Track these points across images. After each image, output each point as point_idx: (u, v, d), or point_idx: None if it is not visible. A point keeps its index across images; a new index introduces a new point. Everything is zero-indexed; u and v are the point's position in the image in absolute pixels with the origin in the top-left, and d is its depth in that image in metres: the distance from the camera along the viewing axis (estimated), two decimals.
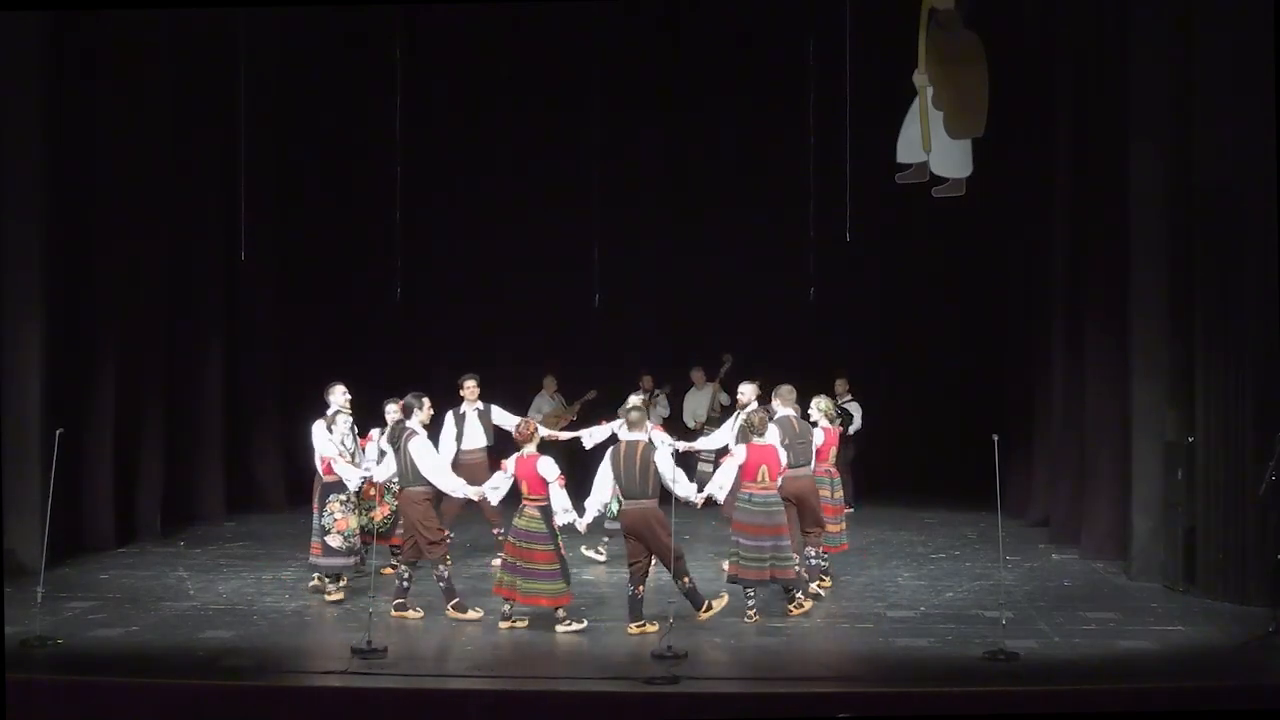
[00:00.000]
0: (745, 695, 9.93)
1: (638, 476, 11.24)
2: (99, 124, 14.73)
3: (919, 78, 13.18)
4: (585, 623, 11.46)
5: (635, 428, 11.51)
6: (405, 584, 11.87)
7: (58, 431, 11.64)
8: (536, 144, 19.10)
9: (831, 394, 16.02)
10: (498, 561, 12.15)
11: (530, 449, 11.53)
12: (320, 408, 12.85)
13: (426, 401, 11.96)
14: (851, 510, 17.26)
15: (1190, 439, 12.54)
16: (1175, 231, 12.87)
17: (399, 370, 17.33)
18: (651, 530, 11.21)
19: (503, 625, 11.45)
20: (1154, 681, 9.98)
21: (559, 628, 11.32)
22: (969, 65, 13.16)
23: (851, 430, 17.24)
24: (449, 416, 13.56)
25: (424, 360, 18.62)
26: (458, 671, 10.42)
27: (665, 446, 12.37)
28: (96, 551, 14.39)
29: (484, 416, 13.62)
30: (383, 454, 12.20)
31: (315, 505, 12.59)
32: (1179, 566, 12.65)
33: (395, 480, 11.93)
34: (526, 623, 11.44)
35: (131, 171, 15.10)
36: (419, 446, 11.69)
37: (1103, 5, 14.04)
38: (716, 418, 17.05)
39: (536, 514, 11.34)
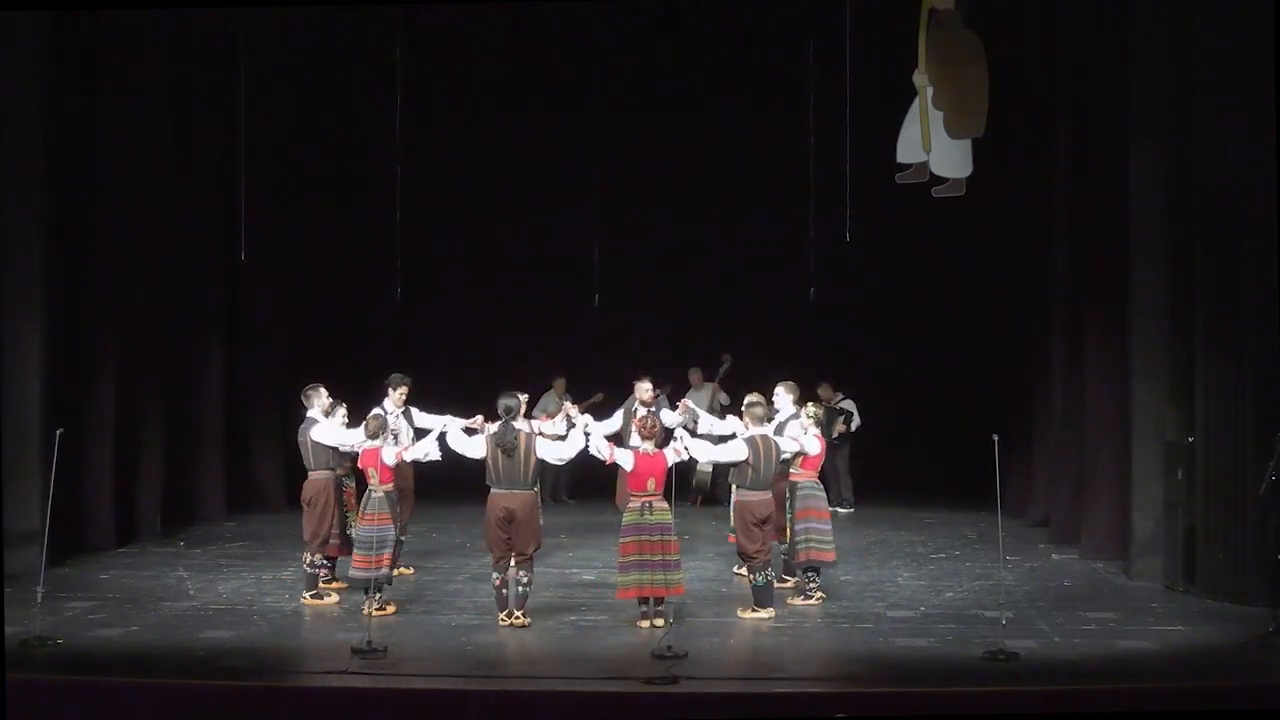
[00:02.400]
0: (745, 695, 9.93)
1: (774, 469, 11.80)
2: (99, 124, 14.73)
3: (919, 78, 13.18)
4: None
5: (760, 422, 11.92)
6: (511, 590, 11.52)
7: (58, 431, 11.63)
8: (536, 144, 19.11)
9: (818, 401, 16.07)
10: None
11: (650, 446, 11.48)
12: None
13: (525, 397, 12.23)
14: (852, 510, 17.36)
15: (1190, 439, 12.54)
16: (1175, 231, 12.86)
17: (399, 370, 17.34)
18: (772, 518, 11.80)
19: (643, 624, 11.33)
20: (1154, 681, 9.98)
21: (747, 614, 11.62)
22: (969, 65, 13.16)
23: (854, 427, 17.26)
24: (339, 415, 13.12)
25: (424, 360, 18.61)
26: (458, 671, 10.42)
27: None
28: (96, 551, 14.39)
29: (407, 417, 13.26)
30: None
31: (390, 516, 11.80)
32: (1179, 566, 12.65)
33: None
34: (671, 619, 11.34)
35: (131, 171, 15.10)
36: (541, 444, 11.66)
37: (1103, 5, 14.04)
38: (716, 418, 17.03)
39: (666, 506, 11.44)
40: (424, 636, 11.32)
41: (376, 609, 11.57)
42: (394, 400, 13.22)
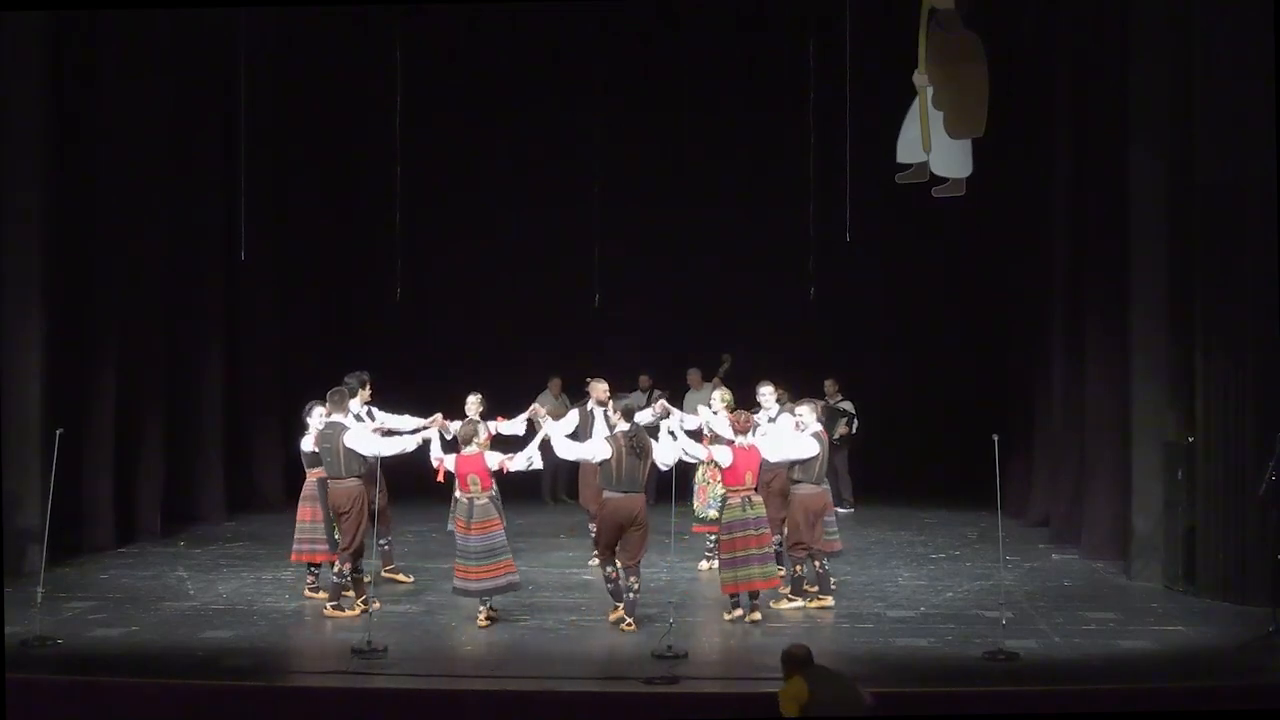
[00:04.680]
0: (745, 695, 9.92)
1: (826, 464, 12.10)
2: (99, 124, 14.72)
3: (919, 78, 13.17)
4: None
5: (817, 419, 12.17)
6: (632, 595, 11.47)
7: (58, 431, 11.63)
8: (537, 144, 19.09)
9: (820, 396, 16.10)
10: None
11: (745, 440, 11.58)
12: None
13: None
14: (851, 510, 17.35)
15: (1190, 439, 12.54)
16: (1175, 231, 12.86)
17: (399, 370, 17.34)
18: (820, 516, 12.02)
19: (733, 614, 11.58)
20: (1154, 681, 9.99)
21: (784, 604, 11.86)
22: (969, 65, 13.16)
23: (854, 428, 17.25)
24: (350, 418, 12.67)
25: (422, 360, 18.64)
26: (458, 671, 10.42)
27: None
28: (96, 551, 14.38)
29: (370, 416, 12.93)
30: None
31: (500, 520, 11.63)
32: (1179, 566, 12.66)
33: None
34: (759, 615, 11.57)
35: (131, 171, 15.10)
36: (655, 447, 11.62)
37: (1103, 5, 14.04)
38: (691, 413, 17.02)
39: (761, 499, 11.61)
40: (424, 636, 11.32)
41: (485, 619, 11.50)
42: (361, 399, 12.85)
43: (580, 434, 13.34)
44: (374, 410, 13.00)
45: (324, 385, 12.74)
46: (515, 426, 12.93)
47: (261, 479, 17.73)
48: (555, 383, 17.73)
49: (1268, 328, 11.97)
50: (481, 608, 11.50)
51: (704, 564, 13.68)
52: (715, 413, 12.93)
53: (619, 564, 11.47)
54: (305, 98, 18.01)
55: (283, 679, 10.29)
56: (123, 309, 15.08)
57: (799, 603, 11.96)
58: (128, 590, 12.85)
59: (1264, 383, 12.05)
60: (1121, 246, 13.45)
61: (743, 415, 11.84)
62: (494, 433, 13.02)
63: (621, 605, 11.42)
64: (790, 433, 12.15)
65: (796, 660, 8.34)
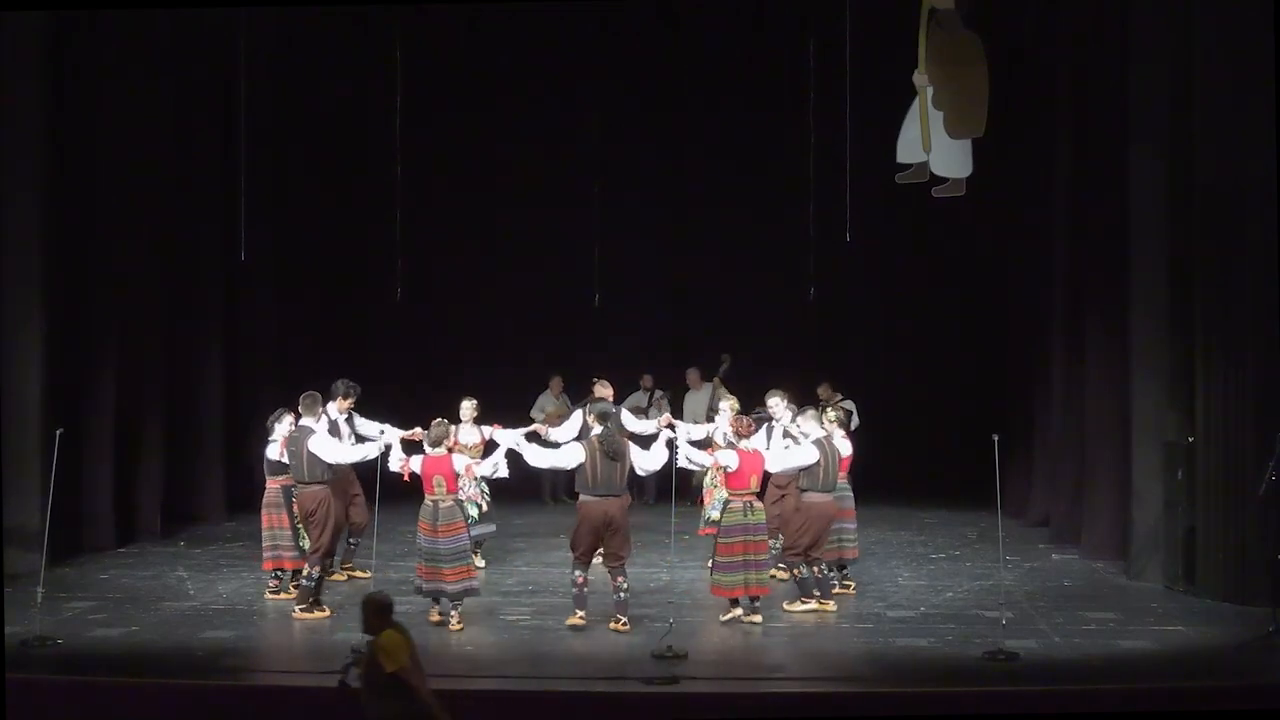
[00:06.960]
0: (745, 695, 9.94)
1: (836, 471, 12.07)
2: (99, 124, 14.72)
3: (919, 78, 13.16)
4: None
5: (822, 425, 12.14)
6: (622, 595, 11.51)
7: (58, 431, 11.64)
8: (536, 143, 19.08)
9: (816, 400, 16.12)
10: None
11: (749, 445, 11.59)
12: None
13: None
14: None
15: (1190, 439, 12.54)
16: (1175, 231, 12.87)
17: (400, 370, 17.34)
18: (827, 526, 12.01)
19: (733, 614, 11.55)
20: (1154, 681, 9.99)
21: (797, 606, 11.84)
22: (969, 65, 13.14)
23: (854, 427, 17.24)
24: (324, 422, 12.57)
25: (424, 360, 18.63)
26: (457, 671, 10.41)
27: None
28: (96, 551, 14.38)
29: (350, 423, 12.97)
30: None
31: (465, 524, 11.71)
32: (1179, 566, 12.66)
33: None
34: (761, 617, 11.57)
35: (132, 171, 15.10)
36: (635, 452, 11.56)
37: (1103, 5, 14.04)
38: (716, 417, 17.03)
39: (762, 505, 11.60)
40: (424, 636, 11.28)
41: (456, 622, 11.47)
42: (340, 406, 12.85)
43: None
44: (355, 418, 12.99)
45: (324, 386, 12.78)
46: (513, 438, 12.83)
47: (261, 479, 17.67)
48: (556, 382, 17.73)
49: (1268, 328, 11.97)
50: (454, 611, 11.45)
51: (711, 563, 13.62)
52: (721, 426, 12.91)
53: (606, 567, 11.46)
54: (305, 98, 18.01)
55: (283, 679, 10.29)
56: (123, 309, 15.08)
57: (811, 604, 11.91)
58: (128, 590, 12.85)
59: (1264, 383, 12.05)
60: (1121, 246, 13.45)
61: (744, 420, 11.80)
62: (488, 438, 13.03)
63: (581, 612, 11.36)
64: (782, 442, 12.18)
65: (385, 607, 8.17)
